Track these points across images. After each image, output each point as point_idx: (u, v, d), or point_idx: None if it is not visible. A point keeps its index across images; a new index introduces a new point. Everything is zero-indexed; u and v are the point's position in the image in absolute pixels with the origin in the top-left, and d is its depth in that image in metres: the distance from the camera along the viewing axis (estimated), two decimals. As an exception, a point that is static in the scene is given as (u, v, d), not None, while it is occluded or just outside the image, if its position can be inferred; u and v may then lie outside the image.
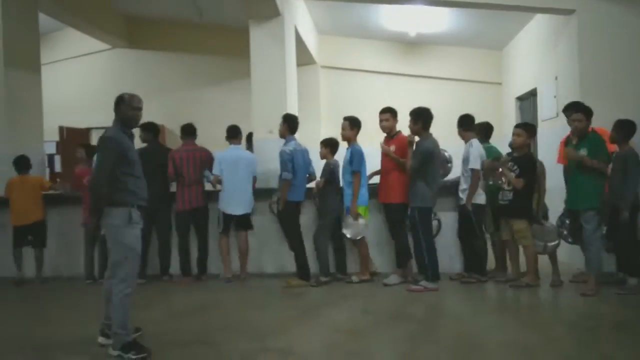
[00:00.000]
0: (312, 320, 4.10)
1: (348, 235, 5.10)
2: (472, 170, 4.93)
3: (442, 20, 7.83)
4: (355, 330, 3.77)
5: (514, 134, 4.91)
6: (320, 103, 9.22)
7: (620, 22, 5.42)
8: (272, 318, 4.16)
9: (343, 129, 5.19)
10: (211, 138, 6.34)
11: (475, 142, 5.06)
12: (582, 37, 5.56)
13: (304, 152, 5.34)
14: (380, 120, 5.15)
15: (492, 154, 5.14)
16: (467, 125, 5.21)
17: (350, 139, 5.17)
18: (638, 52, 5.39)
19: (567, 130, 4.96)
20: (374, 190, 5.29)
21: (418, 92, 9.10)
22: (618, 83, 5.33)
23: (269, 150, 5.84)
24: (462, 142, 5.28)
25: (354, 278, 5.16)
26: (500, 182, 4.98)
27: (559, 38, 6.21)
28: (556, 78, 6.29)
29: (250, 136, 6.48)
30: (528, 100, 7.83)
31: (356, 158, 5.01)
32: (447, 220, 5.42)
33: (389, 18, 8.01)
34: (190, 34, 9.30)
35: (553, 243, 4.89)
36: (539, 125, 7.01)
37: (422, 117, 4.89)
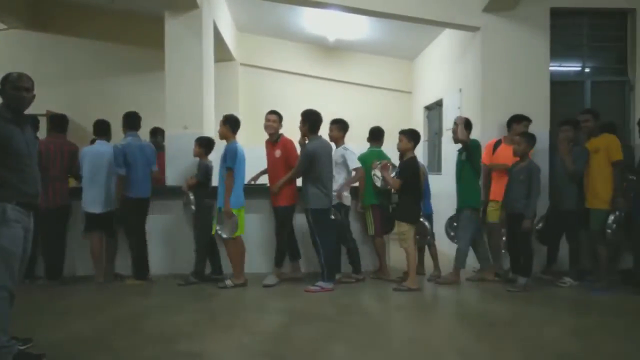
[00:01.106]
0: (224, 323, 4.02)
1: (223, 235, 4.96)
2: (356, 169, 5.22)
3: (359, 28, 8.09)
4: (269, 332, 3.76)
5: (399, 139, 5.14)
6: (239, 101, 9.08)
7: (520, 42, 5.91)
8: (182, 321, 4.00)
9: (219, 125, 5.15)
10: (119, 132, 5.96)
11: (348, 146, 5.34)
12: (485, 53, 5.99)
13: (145, 147, 5.32)
14: (267, 120, 5.19)
15: (381, 158, 5.40)
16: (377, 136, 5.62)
17: (227, 137, 5.06)
18: (535, 70, 5.90)
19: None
20: (255, 191, 5.38)
21: (335, 96, 9.34)
22: (516, 98, 5.82)
23: (183, 145, 5.65)
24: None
25: (228, 282, 4.99)
26: (383, 184, 5.23)
27: (465, 53, 6.68)
28: (460, 90, 6.75)
29: (155, 131, 6.18)
30: (435, 109, 8.32)
31: (229, 155, 4.91)
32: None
33: (310, 22, 8.11)
34: (100, 19, 8.70)
35: (425, 240, 5.43)
36: (444, 134, 7.49)
37: (310, 119, 5.00)
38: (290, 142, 5.18)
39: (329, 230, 5.04)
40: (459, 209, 5.27)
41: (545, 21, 5.91)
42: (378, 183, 5.31)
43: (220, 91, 7.41)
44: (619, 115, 5.97)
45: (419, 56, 9.16)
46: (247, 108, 8.82)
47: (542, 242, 5.48)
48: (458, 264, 5.23)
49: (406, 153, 5.08)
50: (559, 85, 6.04)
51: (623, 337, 3.63)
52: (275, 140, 5.20)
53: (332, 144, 5.34)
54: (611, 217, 4.83)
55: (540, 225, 5.45)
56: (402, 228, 4.97)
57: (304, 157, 4.93)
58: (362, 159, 5.42)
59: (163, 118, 5.99)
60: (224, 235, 4.94)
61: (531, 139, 5.01)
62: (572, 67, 6.24)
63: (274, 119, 5.17)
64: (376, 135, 5.64)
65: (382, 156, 5.40)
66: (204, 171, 5.23)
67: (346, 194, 5.25)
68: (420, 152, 8.71)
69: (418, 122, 8.96)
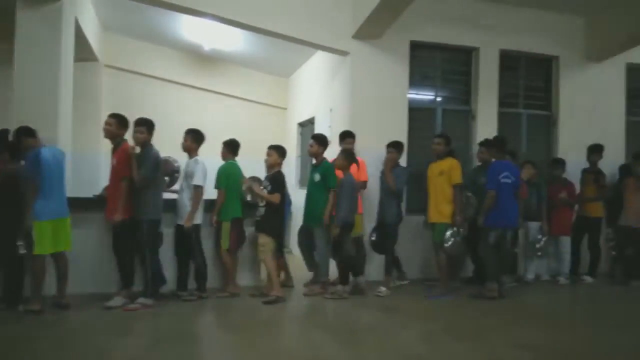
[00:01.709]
0: (76, 350, 3.64)
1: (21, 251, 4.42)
2: (196, 187, 4.97)
3: (235, 40, 8.08)
4: (131, 356, 3.51)
5: (267, 154, 5.28)
6: (102, 105, 8.43)
7: (385, 69, 6.42)
8: (26, 351, 3.56)
9: None
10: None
11: (200, 159, 5.11)
12: (354, 77, 6.39)
13: None
14: (104, 124, 4.82)
15: (235, 170, 5.36)
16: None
17: (32, 145, 4.54)
18: (396, 96, 6.44)
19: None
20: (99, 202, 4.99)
21: (210, 106, 9.21)
22: (380, 120, 6.31)
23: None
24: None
25: (20, 307, 4.38)
26: (255, 199, 5.27)
27: (335, 75, 7.05)
28: (331, 110, 7.10)
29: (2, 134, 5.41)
30: (308, 127, 8.62)
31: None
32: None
33: (186, 28, 7.89)
34: None
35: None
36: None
37: (152, 128, 4.84)
38: (127, 150, 4.72)
39: (158, 244, 4.88)
40: (308, 224, 5.49)
41: (405, 52, 6.51)
42: (249, 197, 5.32)
43: (80, 93, 6.82)
44: (464, 141, 6.78)
45: (294, 74, 9.44)
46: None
47: (376, 251, 5.93)
48: (321, 276, 5.45)
49: (274, 167, 5.22)
50: (416, 112, 6.68)
51: (465, 338, 4.08)
52: (115, 146, 4.81)
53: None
54: (449, 232, 5.40)
55: (374, 236, 5.90)
56: (263, 239, 5.06)
57: (153, 162, 4.70)
58: (226, 172, 5.28)
59: (8, 119, 5.32)
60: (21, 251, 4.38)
61: (350, 155, 5.42)
62: (426, 95, 6.93)
63: (110, 122, 4.79)
64: (233, 147, 5.46)
65: (239, 169, 5.40)
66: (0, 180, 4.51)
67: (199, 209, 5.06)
68: (294, 167, 8.95)
69: (292, 138, 9.20)
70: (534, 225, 6.33)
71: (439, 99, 6.94)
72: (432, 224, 5.57)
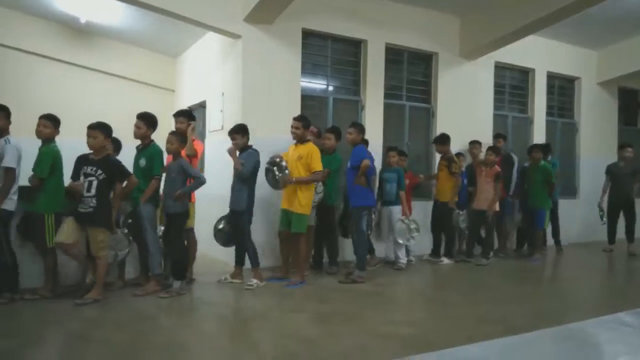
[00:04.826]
0: None
1: None
2: (7, 169, 4.37)
3: (116, 13, 7.46)
4: None
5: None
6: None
7: (277, 55, 6.39)
8: None
9: None
10: None
11: (12, 139, 4.48)
12: (246, 61, 6.29)
13: None
14: None
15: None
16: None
17: None
18: (289, 83, 6.46)
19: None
20: None
21: (90, 86, 8.46)
22: (273, 106, 6.30)
23: None
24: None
25: None
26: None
27: (227, 58, 6.87)
28: (223, 94, 6.92)
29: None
30: (199, 110, 8.30)
31: None
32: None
33: (58, -3, 7.11)
34: None
35: (124, 252, 4.95)
36: (207, 136, 7.54)
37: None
38: None
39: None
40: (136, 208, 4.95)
41: (297, 39, 6.55)
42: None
43: None
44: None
45: (183, 55, 9.02)
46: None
47: (221, 243, 5.64)
48: (154, 271, 4.96)
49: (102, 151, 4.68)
50: (308, 99, 6.78)
51: (350, 320, 4.30)
52: None
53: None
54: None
55: (222, 224, 5.59)
56: (102, 235, 4.57)
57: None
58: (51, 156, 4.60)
59: None
60: None
61: (183, 138, 5.08)
62: (318, 84, 7.05)
63: None
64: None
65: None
66: None
67: (12, 196, 4.43)
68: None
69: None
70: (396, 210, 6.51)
71: (330, 88, 7.11)
72: (290, 212, 5.36)
